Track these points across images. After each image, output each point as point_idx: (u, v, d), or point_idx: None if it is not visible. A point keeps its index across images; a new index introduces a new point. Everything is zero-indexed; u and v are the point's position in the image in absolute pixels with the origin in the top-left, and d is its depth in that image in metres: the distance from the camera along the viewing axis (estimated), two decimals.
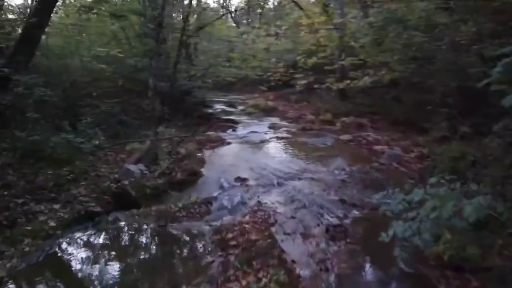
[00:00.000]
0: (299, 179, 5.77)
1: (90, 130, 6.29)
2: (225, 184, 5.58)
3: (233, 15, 23.91)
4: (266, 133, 9.76)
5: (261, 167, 6.36)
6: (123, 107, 8.36)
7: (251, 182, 5.64)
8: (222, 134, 9.68)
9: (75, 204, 4.36)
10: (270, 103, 15.71)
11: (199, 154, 6.99)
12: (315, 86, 12.75)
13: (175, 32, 10.22)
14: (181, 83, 10.51)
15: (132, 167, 5.36)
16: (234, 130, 10.62)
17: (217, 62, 11.95)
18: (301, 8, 14.92)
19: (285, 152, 7.49)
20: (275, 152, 7.59)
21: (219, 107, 15.98)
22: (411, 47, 8.42)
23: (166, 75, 9.65)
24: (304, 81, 14.38)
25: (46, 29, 7.10)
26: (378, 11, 10.11)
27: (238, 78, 14.35)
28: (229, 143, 8.30)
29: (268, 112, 14.58)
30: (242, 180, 5.72)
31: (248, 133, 9.96)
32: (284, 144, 8.22)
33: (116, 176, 5.33)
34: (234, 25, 25.78)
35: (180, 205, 4.40)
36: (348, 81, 10.27)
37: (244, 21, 29.04)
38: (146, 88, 9.56)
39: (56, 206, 4.23)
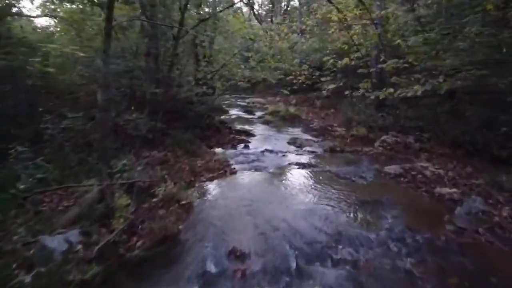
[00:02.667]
0: (332, 260, 3.33)
1: (26, 163, 4.12)
2: (210, 267, 3.22)
3: (254, 9, 21.33)
4: (284, 154, 7.34)
5: (272, 225, 3.98)
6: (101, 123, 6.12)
7: (252, 264, 3.26)
8: (229, 153, 7.38)
9: None
10: (292, 109, 13.27)
11: (186, 196, 4.66)
12: (346, 92, 10.19)
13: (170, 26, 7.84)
14: (184, 88, 8.19)
15: (53, 241, 3.08)
16: (246, 147, 8.27)
17: (230, 63, 9.52)
18: (330, 2, 12.33)
19: (309, 193, 5.04)
20: (295, 191, 5.14)
21: (234, 113, 13.74)
22: (489, 46, 5.78)
23: (161, 80, 7.37)
24: (332, 86, 11.80)
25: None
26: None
27: (254, 82, 11.84)
28: (234, 173, 5.93)
29: (289, 120, 12.17)
30: (238, 258, 3.35)
31: (263, 152, 7.60)
32: (308, 177, 5.78)
33: (32, 251, 3.11)
34: (257, 22, 23.35)
35: None
36: (391, 90, 7.66)
37: (269, 19, 26.49)
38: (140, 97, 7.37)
39: None
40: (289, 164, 6.56)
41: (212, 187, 5.20)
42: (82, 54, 5.67)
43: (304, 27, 15.08)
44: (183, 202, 4.45)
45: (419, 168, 5.65)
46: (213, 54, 11.00)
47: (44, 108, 6.26)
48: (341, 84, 11.47)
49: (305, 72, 13.74)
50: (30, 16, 11.44)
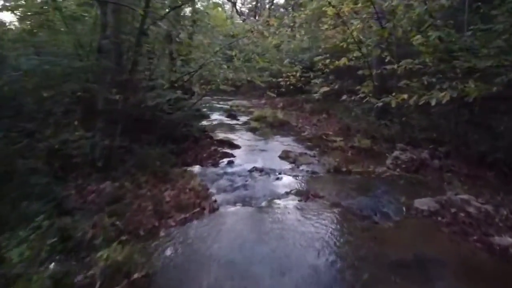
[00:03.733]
0: None
1: None
2: None
3: (236, 6, 19.69)
4: (278, 177, 5.79)
5: None
6: (35, 141, 4.41)
7: None
8: (209, 174, 5.83)
9: None
10: (280, 115, 11.76)
11: (142, 262, 3.05)
12: (344, 97, 8.71)
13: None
14: (152, 94, 6.51)
15: None
16: (230, 163, 6.72)
17: (210, 62, 7.88)
18: None
19: (318, 246, 3.50)
20: (298, 244, 3.54)
21: (216, 117, 12.12)
22: None
23: (124, 84, 5.69)
24: (325, 89, 10.31)
25: None
26: None
27: (238, 85, 10.25)
28: (214, 210, 4.34)
29: (277, 127, 10.64)
30: None
31: (251, 171, 6.06)
32: (313, 216, 4.23)
33: None
34: (239, 20, 21.73)
35: None
36: (405, 95, 6.22)
37: (252, 17, 24.90)
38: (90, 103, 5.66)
39: None
40: (286, 193, 5.00)
41: (183, 239, 3.59)
42: None
43: (292, 24, 13.60)
44: (136, 275, 2.85)
45: (458, 203, 4.20)
46: (191, 52, 9.30)
47: None
48: (336, 86, 10.01)
49: (297, 74, 12.22)
50: None
